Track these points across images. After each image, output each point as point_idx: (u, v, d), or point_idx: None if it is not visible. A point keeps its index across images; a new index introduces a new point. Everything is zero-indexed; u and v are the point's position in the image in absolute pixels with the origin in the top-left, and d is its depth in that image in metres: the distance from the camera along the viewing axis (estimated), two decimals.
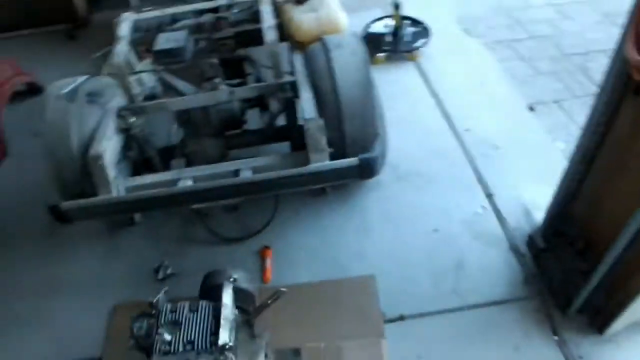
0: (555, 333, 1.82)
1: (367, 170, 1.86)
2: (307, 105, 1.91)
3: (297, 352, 1.83)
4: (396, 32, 3.20)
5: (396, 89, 2.98)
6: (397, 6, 3.10)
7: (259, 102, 2.25)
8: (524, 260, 2.04)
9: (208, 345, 1.43)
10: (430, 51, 3.21)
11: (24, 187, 2.47)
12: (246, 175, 1.90)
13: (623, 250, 1.55)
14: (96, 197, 1.86)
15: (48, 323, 2.08)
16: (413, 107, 2.86)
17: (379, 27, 3.28)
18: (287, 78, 2.12)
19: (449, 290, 1.99)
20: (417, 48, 3.17)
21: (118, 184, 1.90)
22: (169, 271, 2.15)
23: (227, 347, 1.41)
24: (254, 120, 2.43)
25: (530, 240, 2.04)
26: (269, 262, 2.14)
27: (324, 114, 1.92)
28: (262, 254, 2.18)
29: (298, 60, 2.17)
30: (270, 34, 2.23)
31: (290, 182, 1.90)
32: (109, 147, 1.89)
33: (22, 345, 2.03)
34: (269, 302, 1.66)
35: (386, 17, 3.33)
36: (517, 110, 2.78)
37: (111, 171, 1.87)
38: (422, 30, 3.26)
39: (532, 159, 2.44)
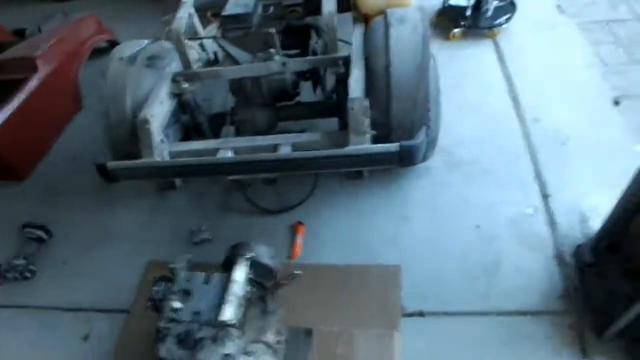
0: (584, 354, 1.68)
1: (407, 158, 1.77)
2: (355, 83, 1.83)
3: (309, 332, 1.84)
4: (478, 5, 2.94)
5: (467, 69, 2.79)
6: None
7: (313, 75, 2.19)
8: (566, 271, 1.87)
9: (213, 318, 1.47)
10: (513, 29, 2.94)
11: (92, 140, 2.63)
12: (284, 151, 1.88)
13: None
14: (139, 160, 1.95)
15: (93, 269, 2.28)
16: (481, 90, 2.66)
17: (459, 0, 3.04)
18: (341, 53, 2.03)
19: (479, 292, 1.89)
20: (499, 25, 2.91)
21: (163, 148, 1.97)
22: (204, 236, 2.24)
23: (228, 323, 1.44)
24: (307, 93, 2.39)
25: (578, 251, 1.86)
26: (299, 238, 2.15)
27: (372, 94, 1.84)
28: (294, 229, 2.19)
29: (358, 34, 2.07)
30: (328, 4, 2.11)
31: (327, 163, 1.86)
32: (159, 111, 1.97)
33: (71, 286, 2.24)
34: (284, 282, 1.67)
35: None
36: (598, 103, 2.48)
37: (157, 136, 1.94)
38: (507, 5, 2.98)
39: (602, 160, 2.18)
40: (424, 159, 2.13)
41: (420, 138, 1.79)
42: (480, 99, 2.60)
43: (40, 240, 2.39)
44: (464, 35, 2.94)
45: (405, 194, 2.26)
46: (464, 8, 2.97)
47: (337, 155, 1.82)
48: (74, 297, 2.20)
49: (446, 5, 3.06)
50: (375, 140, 1.85)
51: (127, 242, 2.34)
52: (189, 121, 2.23)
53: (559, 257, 1.92)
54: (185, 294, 1.55)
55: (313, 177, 2.23)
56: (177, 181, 2.30)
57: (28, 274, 2.29)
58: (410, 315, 1.86)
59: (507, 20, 2.90)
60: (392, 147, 1.76)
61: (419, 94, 1.86)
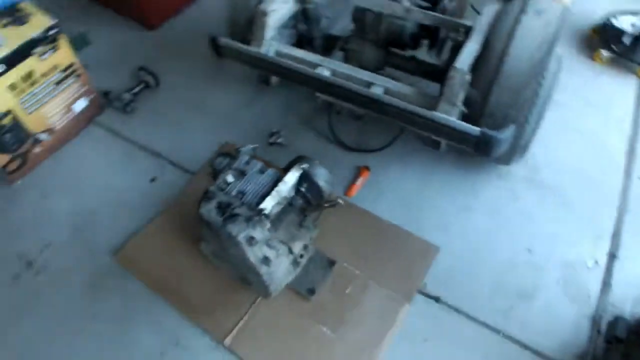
0: None
1: (484, 147, 1.74)
2: (465, 55, 1.81)
3: (332, 263, 1.97)
4: None
5: (596, 95, 2.60)
6: None
7: (433, 35, 2.18)
8: (595, 336, 1.80)
9: (254, 202, 1.62)
10: None
11: (221, 17, 2.79)
12: (374, 91, 1.93)
13: None
14: (246, 46, 2.09)
15: (179, 128, 2.55)
16: (600, 123, 2.47)
17: (624, 22, 2.76)
18: (465, 21, 2.00)
19: (500, 308, 1.87)
20: None
21: (270, 44, 2.09)
22: (280, 140, 2.38)
23: (264, 212, 1.59)
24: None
25: (615, 322, 1.77)
26: (360, 181, 2.23)
27: (478, 72, 1.81)
28: (359, 171, 2.26)
29: (491, 9, 1.97)
30: None
31: (407, 117, 1.87)
32: (280, 9, 2.06)
33: (158, 133, 2.53)
34: (327, 204, 1.77)
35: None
36: None
37: (270, 31, 2.06)
38: None
39: None
40: (509, 161, 2.11)
41: (505, 134, 1.74)
42: (594, 130, 2.43)
43: (147, 85, 2.66)
44: (610, 62, 2.71)
45: (477, 186, 2.23)
46: (623, 33, 2.72)
47: (419, 114, 1.82)
48: (156, 143, 2.48)
49: (607, 22, 2.82)
50: (463, 118, 1.84)
51: (214, 118, 2.56)
52: (306, 32, 2.31)
53: (594, 320, 1.84)
54: (240, 174, 1.71)
55: (396, 131, 2.27)
56: (273, 80, 2.42)
57: (129, 109, 2.59)
58: (427, 295, 1.91)
59: None
60: (474, 130, 1.74)
61: (524, 92, 1.79)
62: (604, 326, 1.81)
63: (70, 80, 2.36)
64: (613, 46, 2.70)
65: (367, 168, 2.27)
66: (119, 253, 2.08)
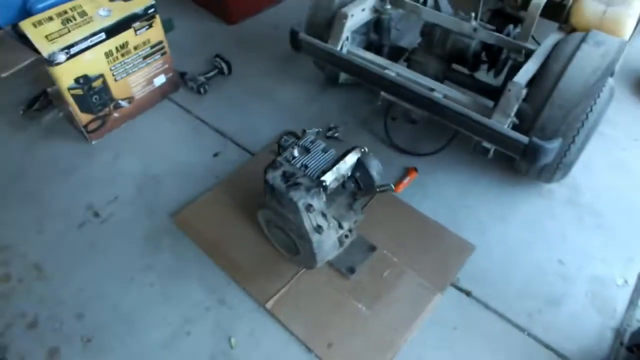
0: None
1: (532, 154, 1.88)
2: (523, 72, 1.96)
3: (373, 248, 2.11)
4: None
5: (637, 134, 2.69)
6: None
7: (494, 56, 2.33)
8: (618, 347, 1.88)
9: (315, 175, 1.79)
10: None
11: (297, 19, 3.00)
12: (435, 94, 2.09)
13: None
14: (323, 43, 2.30)
15: (245, 113, 2.78)
16: (634, 160, 2.56)
17: None
18: (528, 45, 2.15)
19: (527, 310, 1.97)
20: None
21: (345, 45, 2.29)
22: (336, 134, 2.57)
23: (324, 184, 1.75)
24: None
25: (638, 332, 1.85)
26: (407, 180, 2.38)
27: (533, 89, 1.96)
28: (408, 171, 2.42)
29: (553, 38, 2.14)
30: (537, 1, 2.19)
31: (463, 122, 2.03)
32: (357, 14, 2.27)
33: (225, 115, 2.77)
34: (378, 189, 1.92)
35: None
36: None
37: (346, 32, 2.26)
38: None
39: None
40: (551, 179, 2.22)
41: (553, 144, 1.87)
42: (637, 165, 2.53)
43: (221, 71, 2.91)
44: None
45: (517, 200, 2.35)
46: None
47: (475, 119, 1.98)
48: (222, 123, 2.71)
49: None
50: (514, 128, 1.98)
51: (278, 109, 2.79)
52: (376, 40, 2.52)
53: (618, 331, 1.92)
54: (305, 150, 1.88)
55: (447, 140, 2.42)
56: (341, 78, 2.62)
57: (202, 90, 2.83)
58: (459, 289, 2.03)
59: None
60: (523, 138, 1.89)
61: (575, 111, 1.92)
62: (627, 338, 1.88)
63: (156, 57, 2.63)
64: None
65: (415, 169, 2.42)
66: (176, 215, 2.27)
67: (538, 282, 2.06)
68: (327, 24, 2.34)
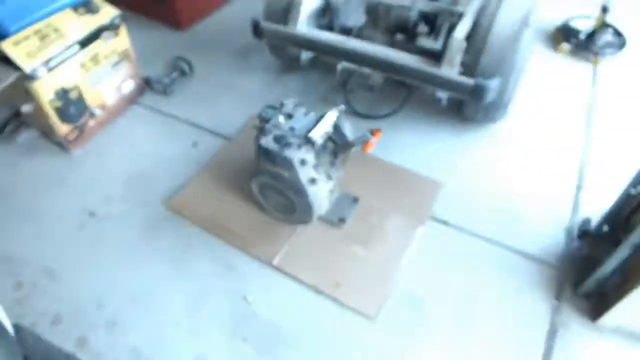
0: (557, 298, 2.07)
1: (478, 93, 2.25)
2: (460, 29, 2.31)
3: (356, 200, 2.39)
4: (593, 33, 3.30)
5: (561, 78, 3.17)
6: (604, 10, 3.20)
7: (432, 23, 2.68)
8: (569, 241, 2.26)
9: (303, 133, 2.04)
10: (617, 64, 3.26)
11: (247, 19, 3.22)
12: (389, 54, 2.42)
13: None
14: (283, 26, 2.58)
15: (215, 104, 2.99)
16: (565, 97, 3.02)
17: (579, 24, 3.40)
18: (460, 8, 2.51)
19: (495, 226, 2.32)
20: (604, 55, 3.24)
21: (303, 27, 2.57)
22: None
23: (313, 140, 2.01)
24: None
25: (583, 222, 2.22)
26: (374, 140, 2.67)
27: (471, 42, 2.31)
28: (372, 132, 2.71)
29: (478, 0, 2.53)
30: None
31: (418, 74, 2.37)
32: (309, 1, 2.57)
33: (195, 109, 2.96)
34: (356, 142, 2.19)
35: (591, 18, 3.39)
36: None
37: (304, 15, 2.55)
38: (619, 42, 3.31)
39: None
40: (495, 118, 2.62)
41: (493, 82, 2.24)
42: (560, 101, 2.98)
43: (183, 72, 3.09)
44: (571, 53, 3.31)
45: (470, 141, 2.72)
46: (580, 32, 3.34)
47: (428, 71, 2.33)
48: (195, 117, 2.90)
49: (565, 24, 3.44)
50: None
51: (243, 96, 3.02)
52: (326, 24, 2.80)
53: (568, 230, 2.31)
54: (288, 117, 2.13)
55: (402, 100, 2.75)
56: (304, 60, 2.87)
57: (168, 90, 3.00)
58: (437, 220, 2.34)
59: (612, 53, 3.25)
60: (469, 80, 2.26)
61: (505, 55, 2.30)
62: (575, 233, 2.28)
63: (123, 64, 2.78)
64: (573, 41, 3.30)
65: (379, 130, 2.73)
66: (169, 201, 2.44)
67: (499, 205, 2.42)
68: (283, 11, 2.61)
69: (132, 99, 2.96)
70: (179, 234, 2.33)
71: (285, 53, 2.88)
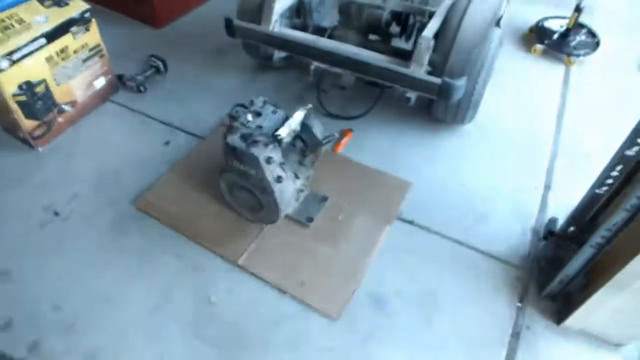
0: (520, 301, 2.07)
1: (445, 92, 2.25)
2: (429, 27, 2.31)
3: (325, 198, 2.38)
4: (567, 33, 3.32)
5: (533, 78, 3.20)
6: (578, 10, 3.23)
7: (404, 23, 2.69)
8: (535, 242, 2.27)
9: (270, 131, 2.03)
10: (589, 66, 3.29)
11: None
12: (359, 54, 2.42)
13: (602, 238, 1.77)
14: (256, 25, 2.56)
15: (188, 103, 2.97)
16: (536, 97, 3.05)
17: (553, 24, 3.43)
18: (429, 7, 2.52)
19: (462, 227, 2.32)
20: (577, 56, 3.26)
21: (276, 26, 2.55)
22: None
23: (279, 138, 2.00)
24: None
25: (549, 222, 2.22)
26: (345, 140, 2.67)
27: (439, 41, 2.32)
28: (343, 133, 2.72)
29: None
30: None
31: (386, 74, 2.36)
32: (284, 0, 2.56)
33: (169, 108, 2.94)
34: (324, 141, 2.19)
35: (566, 18, 3.41)
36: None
37: (276, 14, 2.53)
38: (592, 43, 3.34)
39: None
40: (464, 119, 2.62)
41: (460, 82, 2.25)
42: (531, 102, 3.02)
43: (157, 70, 3.06)
44: (544, 53, 3.34)
45: (439, 142, 2.73)
46: (553, 32, 3.37)
47: (398, 71, 2.32)
48: (168, 115, 2.87)
49: (540, 24, 3.46)
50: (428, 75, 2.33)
51: (217, 96, 3.00)
52: (299, 23, 2.80)
53: (534, 230, 2.32)
54: (256, 114, 2.11)
55: (373, 102, 2.74)
56: (276, 60, 2.86)
57: (142, 89, 2.97)
58: (404, 220, 2.34)
59: (585, 54, 3.27)
60: (437, 79, 2.25)
61: (473, 54, 2.30)
62: (542, 233, 2.28)
63: (95, 59, 2.75)
64: (545, 41, 3.32)
65: (350, 130, 2.72)
66: (138, 200, 2.41)
67: (466, 205, 2.43)
68: (256, 9, 2.59)
69: (104, 96, 2.93)
70: (146, 234, 2.29)
71: (259, 52, 2.87)
